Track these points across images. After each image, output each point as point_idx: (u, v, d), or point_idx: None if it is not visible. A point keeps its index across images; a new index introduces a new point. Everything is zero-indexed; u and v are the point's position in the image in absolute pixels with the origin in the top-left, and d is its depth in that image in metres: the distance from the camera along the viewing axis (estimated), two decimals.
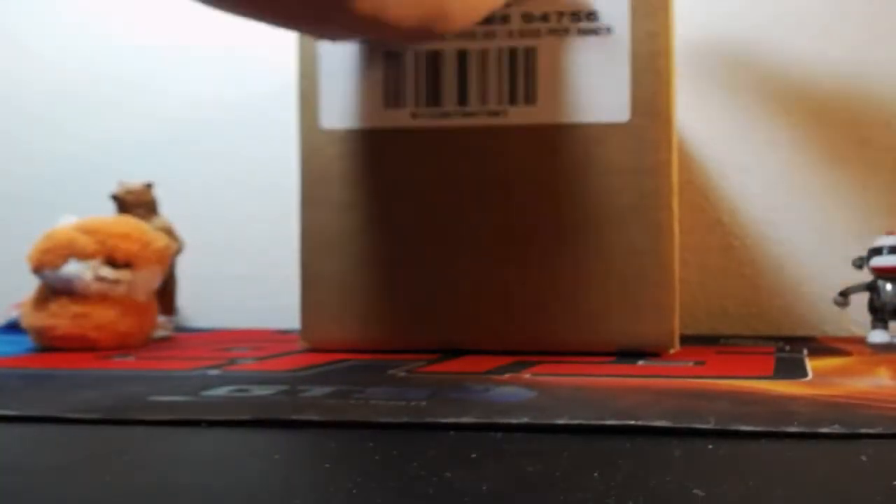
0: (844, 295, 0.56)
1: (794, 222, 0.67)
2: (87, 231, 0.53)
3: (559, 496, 0.20)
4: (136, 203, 0.62)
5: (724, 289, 0.68)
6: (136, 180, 0.63)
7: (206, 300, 0.75)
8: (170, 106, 0.79)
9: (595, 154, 0.47)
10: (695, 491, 0.20)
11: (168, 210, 0.65)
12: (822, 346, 0.53)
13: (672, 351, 0.47)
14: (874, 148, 0.66)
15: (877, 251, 0.54)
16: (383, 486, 0.21)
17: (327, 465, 0.23)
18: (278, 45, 0.66)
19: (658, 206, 0.47)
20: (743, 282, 0.68)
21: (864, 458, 0.24)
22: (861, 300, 0.55)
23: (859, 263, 0.55)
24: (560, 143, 0.48)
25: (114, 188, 0.63)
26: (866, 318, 0.55)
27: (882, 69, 0.66)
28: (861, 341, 0.55)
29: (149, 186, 0.63)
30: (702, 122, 0.68)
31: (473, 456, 0.24)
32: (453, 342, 0.48)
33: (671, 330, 0.47)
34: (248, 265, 0.76)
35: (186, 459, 0.25)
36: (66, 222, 0.55)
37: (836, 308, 0.57)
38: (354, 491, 0.20)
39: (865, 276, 0.55)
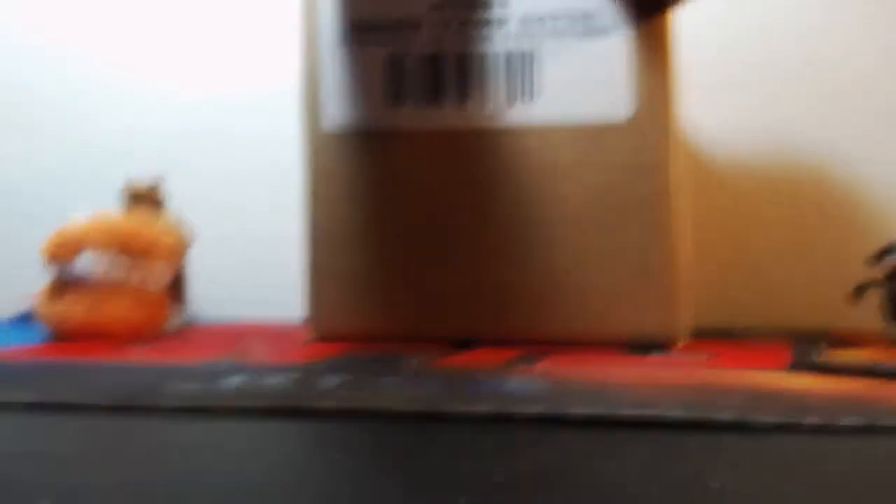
0: (860, 289, 0.55)
1: (808, 217, 0.67)
2: (99, 226, 0.54)
3: (572, 487, 0.20)
4: (146, 198, 0.62)
5: (738, 282, 0.68)
6: (145, 176, 0.64)
7: (217, 292, 0.75)
8: (179, 101, 0.79)
9: (596, 152, 0.47)
10: (710, 483, 0.20)
11: (177, 204, 0.65)
12: (838, 340, 0.52)
13: (682, 343, 0.47)
14: (893, 144, 0.66)
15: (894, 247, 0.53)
16: (396, 476, 0.21)
17: (340, 455, 0.23)
18: (284, 43, 0.66)
19: (660, 203, 0.47)
20: (757, 275, 0.67)
21: (882, 451, 0.23)
22: (876, 296, 0.55)
23: (875, 258, 0.54)
24: (561, 143, 0.48)
25: (124, 184, 0.63)
26: (882, 312, 0.55)
27: None
28: (876, 335, 0.55)
29: (158, 182, 0.64)
30: (713, 116, 0.68)
31: (487, 447, 0.24)
32: (462, 335, 0.48)
33: (675, 324, 0.47)
34: (258, 257, 0.76)
35: (200, 448, 0.25)
36: (78, 217, 0.55)
37: (851, 302, 0.56)
38: (367, 481, 0.20)
39: (881, 270, 0.54)
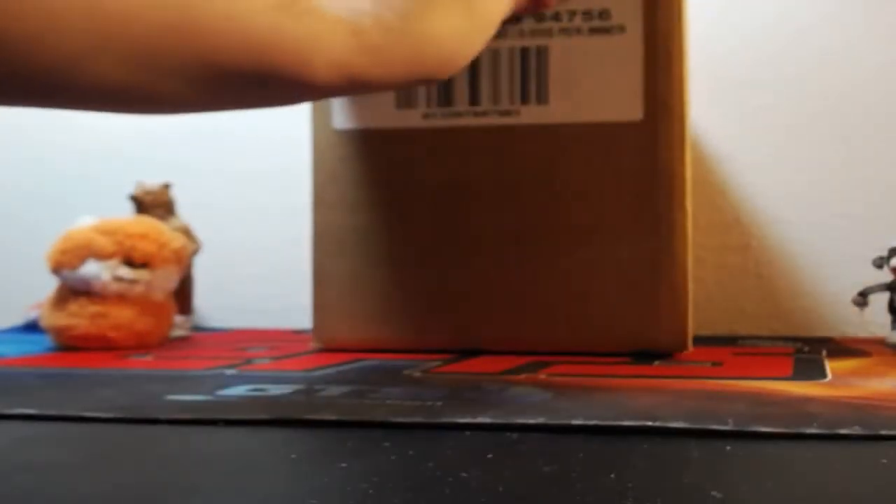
0: (864, 295, 0.55)
1: (813, 221, 0.67)
2: (105, 231, 0.54)
3: (575, 497, 0.20)
4: (155, 204, 0.63)
5: (741, 289, 0.67)
6: (154, 181, 0.64)
7: (222, 300, 0.75)
8: None
9: (608, 153, 0.47)
10: (712, 492, 0.20)
11: (185, 211, 0.66)
12: (842, 347, 0.52)
13: (685, 352, 0.47)
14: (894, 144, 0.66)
15: None
16: (399, 485, 0.21)
17: (344, 465, 0.23)
18: None
19: (671, 205, 0.47)
20: (761, 282, 0.67)
21: (884, 460, 0.23)
22: (881, 300, 0.55)
23: (879, 263, 0.54)
24: (572, 143, 0.47)
25: (132, 189, 0.63)
26: (886, 318, 0.55)
27: None
28: (881, 342, 0.55)
29: (167, 187, 0.64)
30: (718, 119, 0.68)
31: (489, 456, 0.24)
32: (466, 343, 0.48)
33: (684, 331, 0.47)
34: (264, 265, 0.76)
35: (203, 458, 0.25)
36: (84, 223, 0.55)
37: (855, 308, 0.56)
38: (371, 491, 0.20)
39: (885, 275, 0.54)
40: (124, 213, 0.60)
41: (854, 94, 0.66)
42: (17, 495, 0.20)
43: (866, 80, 0.66)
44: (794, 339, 0.58)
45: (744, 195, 0.68)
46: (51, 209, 0.79)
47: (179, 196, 0.65)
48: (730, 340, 0.58)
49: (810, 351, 0.50)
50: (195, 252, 0.64)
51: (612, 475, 0.22)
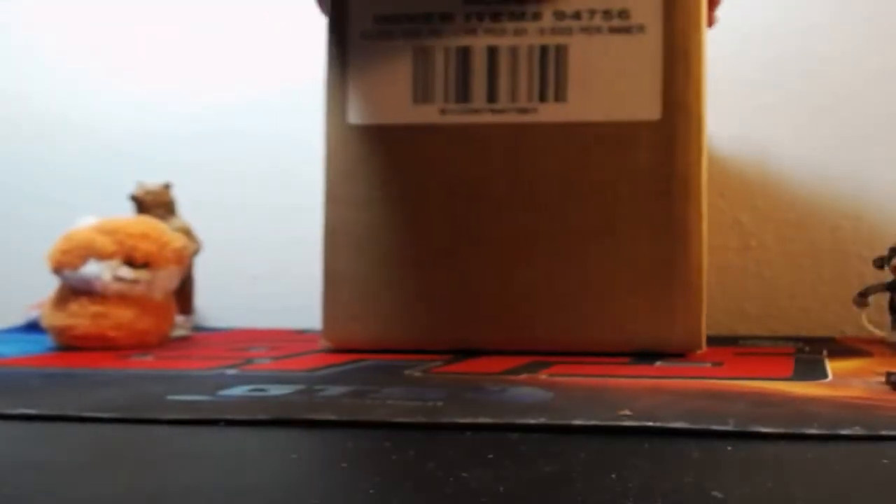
0: (864, 295, 0.55)
1: (813, 222, 0.67)
2: (105, 231, 0.54)
3: (576, 497, 0.20)
4: (155, 204, 0.63)
5: (742, 289, 0.67)
6: (154, 181, 0.64)
7: (223, 300, 0.75)
8: (190, 104, 0.79)
9: (625, 152, 0.47)
10: (713, 493, 0.20)
11: (185, 211, 0.66)
12: (842, 347, 0.52)
13: (699, 352, 0.47)
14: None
15: None
16: (400, 486, 0.21)
17: (344, 465, 0.23)
18: (305, 38, 0.66)
19: (687, 205, 0.46)
20: (761, 282, 0.67)
21: (885, 460, 0.23)
22: (881, 300, 0.55)
23: (879, 263, 0.54)
24: (590, 141, 0.47)
25: (133, 189, 0.63)
26: (886, 318, 0.55)
27: None
28: (881, 342, 0.55)
29: (167, 187, 0.64)
30: (719, 119, 0.68)
31: (490, 456, 0.24)
32: (479, 342, 0.48)
33: (698, 331, 0.47)
34: (265, 265, 0.76)
35: (204, 459, 0.25)
36: (85, 223, 0.55)
37: (855, 308, 0.56)
38: (371, 491, 0.20)
39: (885, 275, 0.54)
40: (125, 213, 0.60)
41: (855, 95, 0.66)
42: (17, 495, 0.20)
43: (868, 81, 0.66)
44: (795, 339, 0.58)
45: (744, 195, 0.68)
46: (51, 209, 0.79)
47: (180, 196, 0.65)
48: (731, 340, 0.58)
49: (811, 351, 0.50)
50: (196, 252, 0.64)
51: (613, 475, 0.22)
